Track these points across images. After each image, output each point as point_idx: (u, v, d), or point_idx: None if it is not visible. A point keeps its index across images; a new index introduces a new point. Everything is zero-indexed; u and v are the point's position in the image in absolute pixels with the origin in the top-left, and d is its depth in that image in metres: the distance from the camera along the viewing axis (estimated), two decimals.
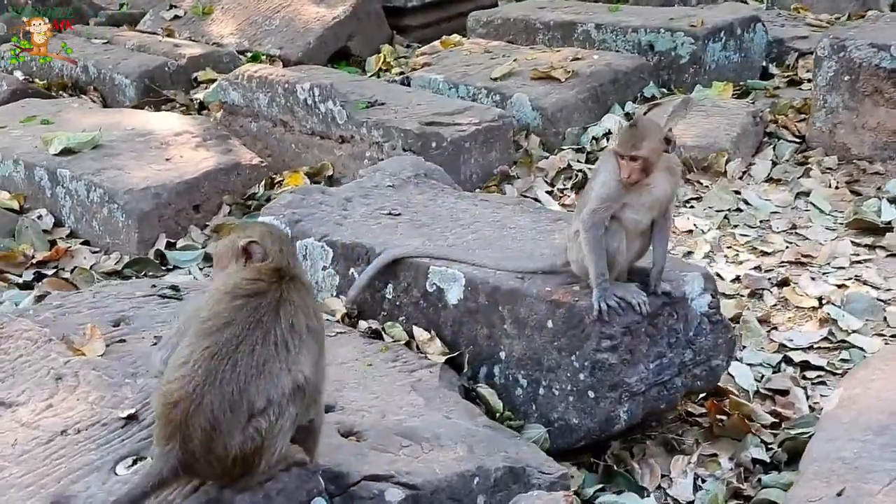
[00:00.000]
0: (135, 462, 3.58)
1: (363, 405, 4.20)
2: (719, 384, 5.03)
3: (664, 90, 8.63)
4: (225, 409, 3.26)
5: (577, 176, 7.34)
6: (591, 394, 4.45)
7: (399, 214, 5.35)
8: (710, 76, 8.71)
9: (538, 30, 9.44)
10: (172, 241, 6.78)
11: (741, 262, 6.38)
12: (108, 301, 4.95)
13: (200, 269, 6.48)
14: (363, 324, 4.99)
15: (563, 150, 7.72)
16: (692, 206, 7.07)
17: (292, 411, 3.38)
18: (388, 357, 4.67)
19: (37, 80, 9.60)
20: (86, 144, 7.22)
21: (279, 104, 7.91)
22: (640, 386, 4.51)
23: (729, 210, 6.97)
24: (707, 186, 7.26)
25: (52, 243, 6.88)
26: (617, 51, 8.90)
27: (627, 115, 8.13)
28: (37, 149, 7.28)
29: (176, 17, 10.81)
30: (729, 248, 6.55)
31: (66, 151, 7.15)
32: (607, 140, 7.74)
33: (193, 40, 10.28)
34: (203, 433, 3.26)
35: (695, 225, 6.79)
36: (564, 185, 7.38)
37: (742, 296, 6.02)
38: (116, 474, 3.52)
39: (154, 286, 5.14)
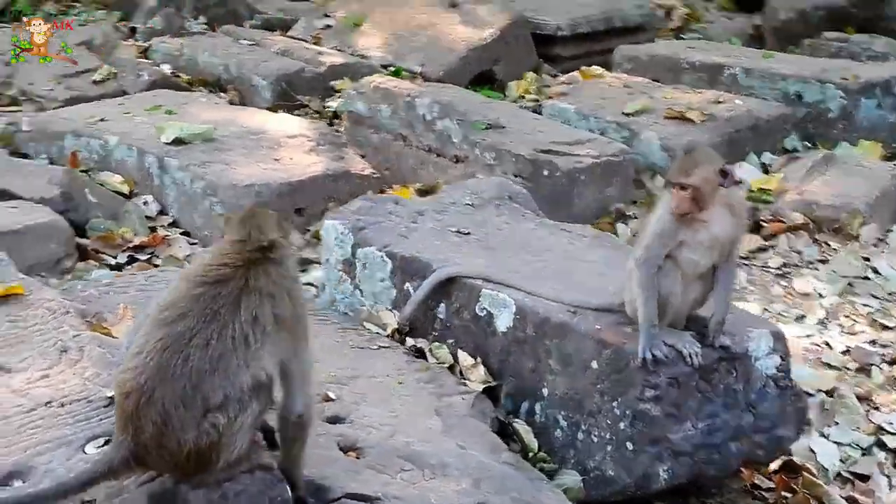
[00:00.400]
0: (106, 443, 3.46)
1: (375, 422, 3.98)
2: (795, 459, 4.67)
3: (807, 143, 8.20)
4: (176, 403, 3.10)
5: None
6: (629, 445, 4.12)
7: (468, 233, 5.11)
8: (859, 134, 8.20)
9: (684, 70, 9.08)
10: None
11: (855, 334, 5.95)
12: (159, 286, 4.86)
13: None
14: (410, 341, 4.76)
15: None
16: (815, 268, 6.63)
17: (255, 408, 3.20)
18: (423, 378, 4.42)
19: (182, 74, 9.70)
20: (198, 136, 7.20)
21: (400, 118, 7.76)
22: (684, 445, 4.14)
23: (855, 277, 6.51)
24: (835, 249, 6.81)
25: (153, 230, 6.85)
26: (763, 98, 8.46)
27: (763, 166, 7.70)
28: (151, 136, 7.29)
29: (327, 26, 10.79)
30: (846, 317, 6.11)
31: (177, 141, 7.14)
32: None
33: (339, 50, 10.24)
34: (154, 427, 3.12)
35: (814, 288, 6.39)
36: None
37: (848, 369, 5.59)
38: (85, 452, 3.43)
39: None
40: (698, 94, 8.39)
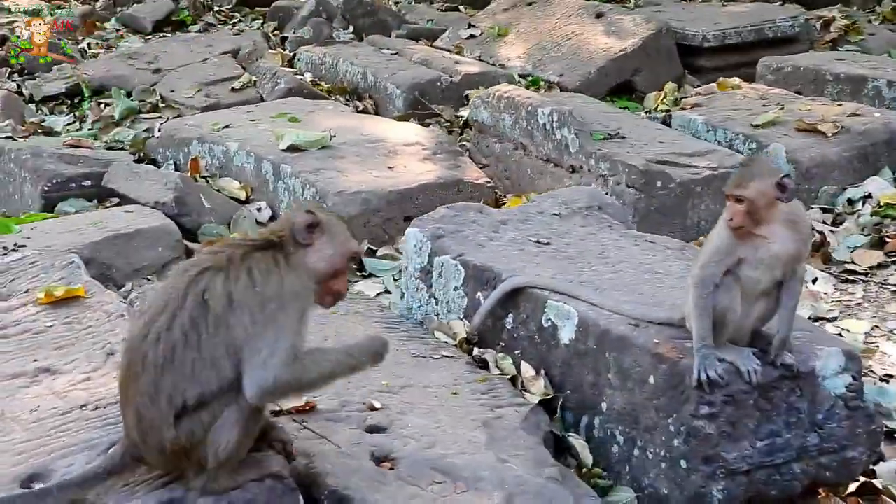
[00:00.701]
0: None
1: (416, 432, 3.90)
2: (877, 482, 4.37)
3: None
4: (146, 402, 3.10)
5: (814, 237, 6.63)
6: (683, 463, 3.95)
7: (548, 244, 5.00)
8: None
9: (827, 81, 8.75)
10: (375, 248, 6.68)
11: None
12: None
13: (395, 280, 6.34)
14: (476, 351, 4.68)
15: (812, 208, 6.99)
16: None
17: (242, 403, 3.13)
18: (479, 388, 4.33)
19: (322, 83, 9.86)
20: (314, 143, 7.28)
21: (521, 127, 7.69)
22: (741, 464, 3.95)
23: None
24: None
25: None
26: None
27: None
28: (271, 143, 7.40)
29: (472, 36, 10.82)
30: None
31: (292, 148, 7.24)
32: (863, 204, 6.98)
33: (481, 60, 10.25)
34: (135, 426, 3.14)
35: None
36: None
37: None
38: None
39: None
40: (837, 106, 8.03)
